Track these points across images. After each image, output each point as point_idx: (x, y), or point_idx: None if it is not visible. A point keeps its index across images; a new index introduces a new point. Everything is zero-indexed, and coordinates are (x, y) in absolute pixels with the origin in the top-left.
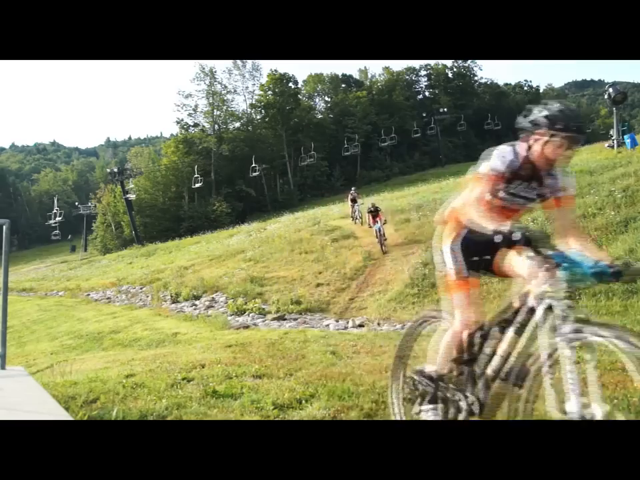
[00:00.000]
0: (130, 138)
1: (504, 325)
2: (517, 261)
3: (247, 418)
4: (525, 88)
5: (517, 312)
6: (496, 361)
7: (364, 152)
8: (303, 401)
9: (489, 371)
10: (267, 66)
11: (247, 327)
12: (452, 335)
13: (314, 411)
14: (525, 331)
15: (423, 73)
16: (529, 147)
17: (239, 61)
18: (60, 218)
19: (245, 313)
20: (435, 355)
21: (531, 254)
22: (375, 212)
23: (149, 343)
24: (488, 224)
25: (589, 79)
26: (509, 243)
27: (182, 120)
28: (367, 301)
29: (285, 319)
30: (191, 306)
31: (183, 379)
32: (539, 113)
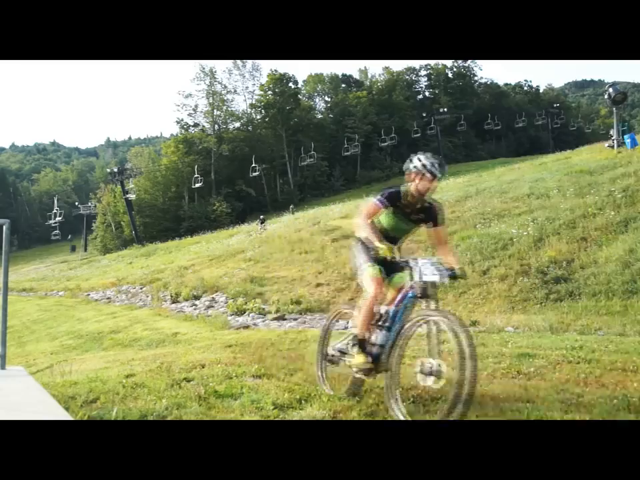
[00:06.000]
0: (130, 138)
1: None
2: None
3: (247, 418)
4: (525, 88)
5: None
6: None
7: (364, 152)
8: (303, 401)
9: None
10: (267, 66)
11: (246, 327)
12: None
13: (314, 411)
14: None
15: (423, 72)
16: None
17: (238, 61)
18: (60, 218)
19: (245, 312)
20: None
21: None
22: None
23: (148, 343)
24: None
25: (589, 79)
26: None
27: (182, 120)
28: None
29: (285, 319)
30: (191, 306)
31: (183, 379)
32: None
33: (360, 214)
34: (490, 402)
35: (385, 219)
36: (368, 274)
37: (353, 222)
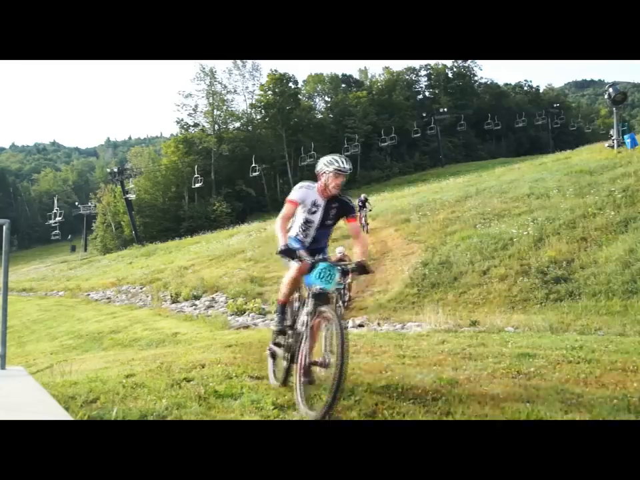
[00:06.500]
0: (130, 138)
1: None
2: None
3: (247, 418)
4: (525, 88)
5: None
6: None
7: (364, 152)
8: None
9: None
10: (267, 66)
11: (246, 327)
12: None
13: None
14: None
15: (423, 72)
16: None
17: (238, 61)
18: (60, 218)
19: (244, 312)
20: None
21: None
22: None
23: (148, 343)
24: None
25: (588, 79)
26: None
27: (182, 120)
28: (366, 300)
29: None
30: (191, 306)
31: (183, 379)
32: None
33: None
34: (490, 402)
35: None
36: None
37: None
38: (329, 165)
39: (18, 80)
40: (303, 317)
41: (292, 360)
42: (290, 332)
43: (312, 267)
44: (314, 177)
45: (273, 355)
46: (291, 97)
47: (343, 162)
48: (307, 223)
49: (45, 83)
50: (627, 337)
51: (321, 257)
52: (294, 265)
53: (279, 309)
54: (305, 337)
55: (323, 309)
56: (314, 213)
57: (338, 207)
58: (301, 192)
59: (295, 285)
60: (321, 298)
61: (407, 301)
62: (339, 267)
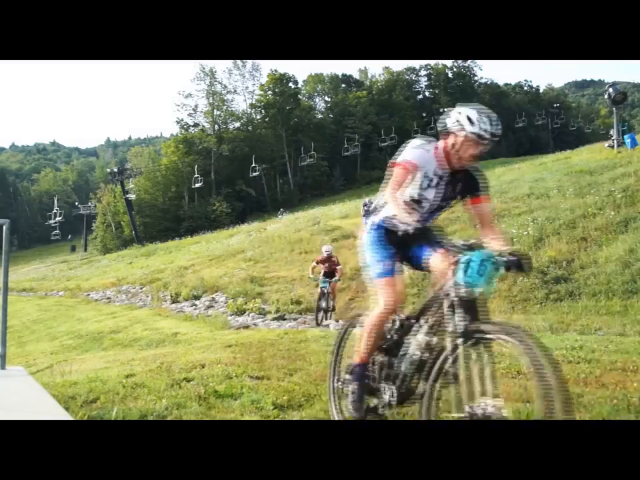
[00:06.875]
0: (130, 138)
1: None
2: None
3: (247, 418)
4: (525, 88)
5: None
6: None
7: (364, 152)
8: (303, 401)
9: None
10: (267, 66)
11: (247, 327)
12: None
13: (314, 411)
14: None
15: (423, 72)
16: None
17: (238, 61)
18: (60, 218)
19: (245, 312)
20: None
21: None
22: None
23: (148, 343)
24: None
25: (588, 79)
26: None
27: (182, 120)
28: (367, 300)
29: (284, 319)
30: (191, 306)
31: (183, 379)
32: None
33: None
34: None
35: None
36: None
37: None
38: (469, 124)
39: (18, 80)
40: (423, 337)
41: (403, 400)
42: (393, 360)
43: (414, 255)
44: (314, 177)
45: (361, 386)
46: (290, 96)
47: (491, 123)
48: (417, 201)
49: (45, 83)
50: (627, 336)
51: (462, 242)
52: (384, 295)
53: (357, 373)
54: (456, 369)
55: (484, 327)
56: (429, 187)
57: (463, 181)
58: (419, 153)
59: (383, 329)
60: (474, 307)
61: (407, 301)
62: (494, 260)
